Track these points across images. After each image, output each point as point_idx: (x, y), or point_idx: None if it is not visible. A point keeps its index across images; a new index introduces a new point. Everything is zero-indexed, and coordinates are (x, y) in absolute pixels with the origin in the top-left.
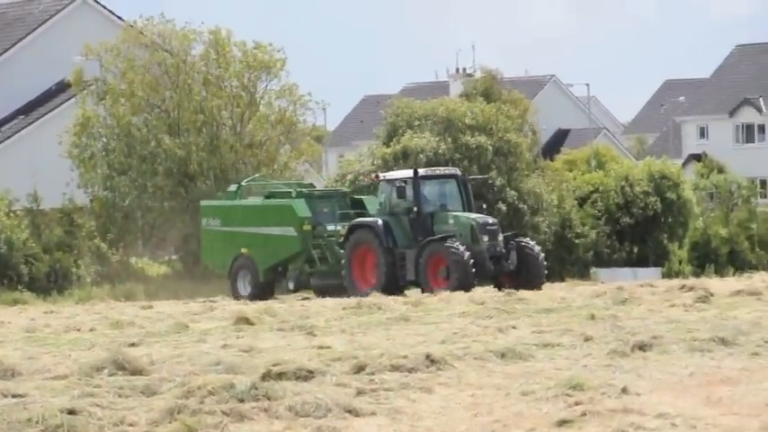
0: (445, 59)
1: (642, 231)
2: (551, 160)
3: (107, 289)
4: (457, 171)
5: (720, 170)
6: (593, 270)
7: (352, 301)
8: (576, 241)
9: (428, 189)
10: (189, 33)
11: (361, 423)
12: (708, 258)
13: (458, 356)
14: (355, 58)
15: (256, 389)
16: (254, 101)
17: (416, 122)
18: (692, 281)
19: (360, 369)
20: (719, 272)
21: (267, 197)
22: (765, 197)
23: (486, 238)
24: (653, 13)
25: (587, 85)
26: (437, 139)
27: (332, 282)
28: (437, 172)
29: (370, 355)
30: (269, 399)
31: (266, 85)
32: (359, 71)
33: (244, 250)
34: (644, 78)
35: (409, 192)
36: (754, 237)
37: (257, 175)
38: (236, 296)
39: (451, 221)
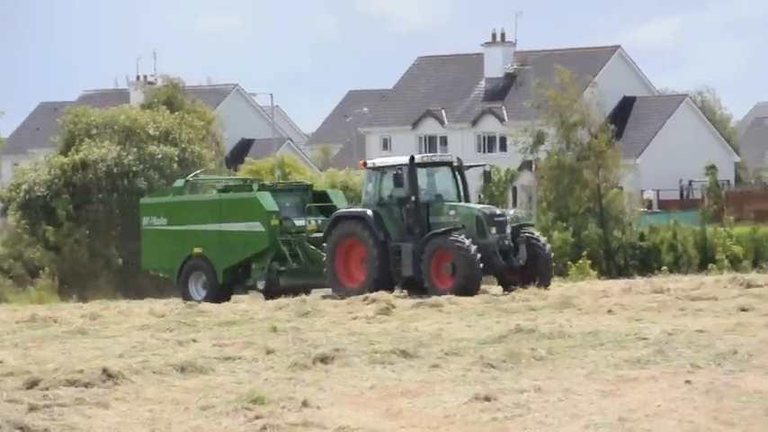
0: (125, 67)
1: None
2: (235, 170)
3: None
4: (452, 157)
5: None
6: None
7: (27, 313)
8: None
9: (421, 177)
10: None
11: None
12: None
13: (136, 370)
14: (31, 63)
15: None
16: None
17: (95, 131)
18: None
19: (33, 384)
20: None
21: (222, 191)
22: None
23: (493, 231)
24: (333, 25)
25: (271, 95)
26: (118, 148)
27: (304, 281)
28: (434, 159)
29: (44, 370)
30: None
31: None
32: (34, 76)
33: (197, 250)
34: (328, 89)
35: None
36: None
37: (201, 170)
38: (188, 300)
39: (452, 212)
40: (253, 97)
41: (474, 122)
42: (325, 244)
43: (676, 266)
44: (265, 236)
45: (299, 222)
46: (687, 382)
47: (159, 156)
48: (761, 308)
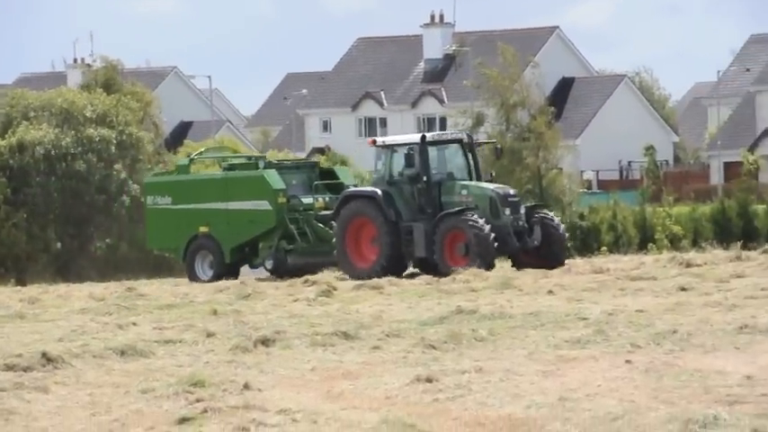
0: (63, 49)
1: None
2: (175, 153)
3: None
4: (463, 135)
5: (344, 163)
6: None
7: None
8: None
9: (433, 156)
10: None
11: None
12: None
13: (76, 354)
14: None
15: None
16: None
17: (32, 114)
18: (315, 275)
19: None
20: None
21: (227, 170)
22: None
23: (507, 211)
24: (272, 6)
25: (209, 77)
26: (56, 131)
27: (313, 260)
28: (444, 136)
29: None
30: None
31: None
32: None
33: (203, 229)
34: (267, 71)
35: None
36: None
37: (205, 148)
38: (194, 280)
39: (464, 192)
40: (191, 80)
41: (414, 104)
42: (334, 223)
43: (616, 246)
44: (273, 214)
45: (307, 200)
46: (627, 361)
47: (97, 138)
48: (700, 287)
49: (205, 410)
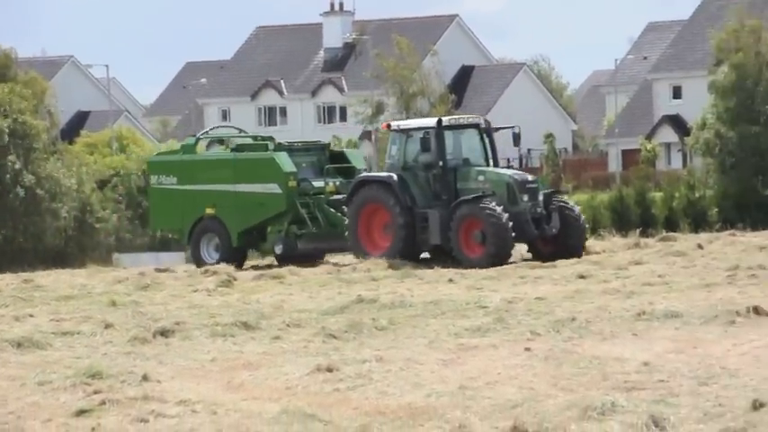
0: None
1: None
2: (71, 143)
3: None
4: (479, 119)
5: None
6: (115, 255)
7: None
8: (97, 226)
9: (449, 141)
10: None
11: None
12: None
13: None
14: None
15: None
16: None
17: None
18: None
19: None
20: None
21: (235, 150)
22: None
23: (525, 198)
24: None
25: (107, 66)
26: None
27: (323, 245)
28: (461, 121)
29: None
30: None
31: None
32: None
33: (209, 211)
34: (165, 60)
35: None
36: None
37: (212, 126)
38: (199, 264)
39: (480, 178)
40: (89, 69)
41: (314, 93)
42: (346, 208)
43: None
44: (283, 198)
45: (318, 184)
46: (527, 349)
47: None
48: (599, 275)
49: (103, 402)
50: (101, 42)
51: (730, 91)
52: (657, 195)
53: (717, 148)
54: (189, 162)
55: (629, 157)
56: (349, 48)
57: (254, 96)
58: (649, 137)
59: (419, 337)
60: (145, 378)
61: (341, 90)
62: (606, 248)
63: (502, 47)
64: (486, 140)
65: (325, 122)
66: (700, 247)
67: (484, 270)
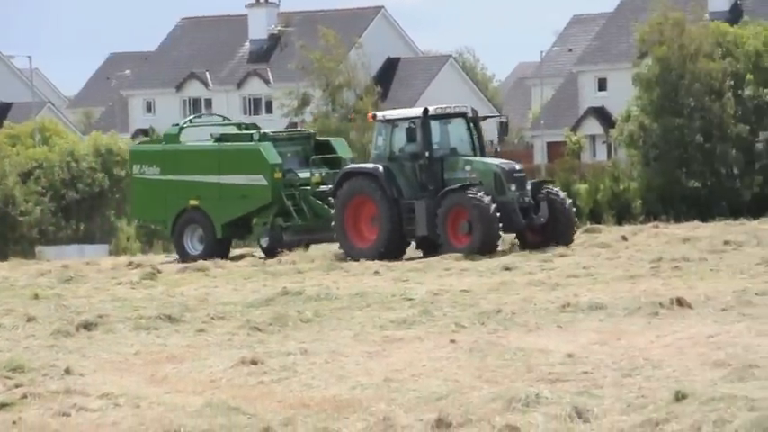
0: None
1: (89, 208)
2: None
3: None
4: (466, 108)
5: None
6: (38, 248)
7: None
8: (20, 219)
9: (435, 130)
10: None
11: None
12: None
13: None
14: None
15: None
16: None
17: None
18: (139, 257)
19: None
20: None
21: (218, 140)
22: None
23: (513, 188)
24: None
25: (29, 57)
26: None
27: (309, 237)
28: (447, 110)
29: None
30: None
31: None
32: None
33: (193, 202)
34: (89, 51)
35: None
36: None
37: (196, 114)
38: (183, 256)
39: (467, 168)
40: (11, 60)
41: (239, 85)
42: (332, 199)
43: None
44: (268, 190)
45: (303, 174)
46: (452, 341)
47: None
48: (523, 267)
49: (25, 396)
50: (23, 33)
51: (654, 83)
52: (582, 187)
53: (641, 141)
54: (172, 152)
55: (554, 149)
56: (274, 39)
57: (178, 88)
58: (575, 129)
59: (344, 330)
60: (67, 371)
61: (267, 82)
62: None
63: (427, 39)
64: (473, 130)
65: (250, 114)
66: (624, 239)
67: (410, 262)
